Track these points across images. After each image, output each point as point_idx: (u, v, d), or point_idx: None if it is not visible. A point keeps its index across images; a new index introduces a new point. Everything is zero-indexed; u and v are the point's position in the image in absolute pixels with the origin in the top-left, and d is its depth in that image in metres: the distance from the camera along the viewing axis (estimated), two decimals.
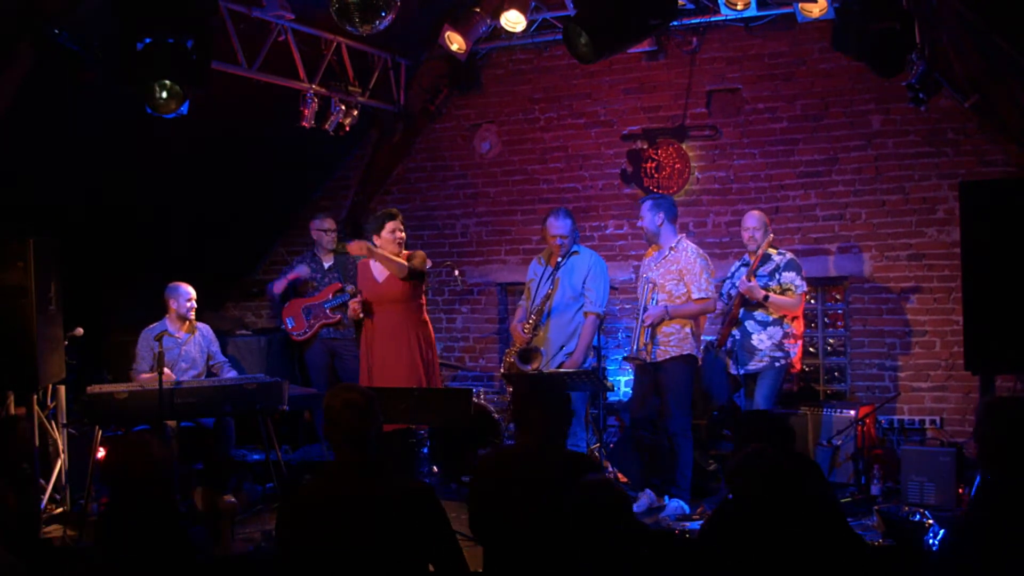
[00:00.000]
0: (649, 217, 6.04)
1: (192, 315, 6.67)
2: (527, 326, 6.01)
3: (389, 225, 6.02)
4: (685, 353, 5.94)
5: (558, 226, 6.09)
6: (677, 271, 5.98)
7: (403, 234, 6.06)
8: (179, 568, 3.21)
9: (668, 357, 5.93)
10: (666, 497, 5.92)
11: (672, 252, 6.03)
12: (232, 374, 6.83)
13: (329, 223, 7.72)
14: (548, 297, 6.04)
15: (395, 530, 3.07)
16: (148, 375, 6.48)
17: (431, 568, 3.19)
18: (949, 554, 3.33)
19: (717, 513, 3.53)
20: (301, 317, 7.54)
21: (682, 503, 5.87)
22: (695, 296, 5.95)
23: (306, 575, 3.11)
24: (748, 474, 3.04)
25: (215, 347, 6.87)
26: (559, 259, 6.14)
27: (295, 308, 7.59)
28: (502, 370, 6.21)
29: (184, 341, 6.66)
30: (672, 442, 5.94)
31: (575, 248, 6.19)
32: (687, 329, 5.96)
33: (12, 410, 5.76)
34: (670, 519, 5.71)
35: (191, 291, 6.65)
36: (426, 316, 6.21)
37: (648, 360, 5.92)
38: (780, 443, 3.81)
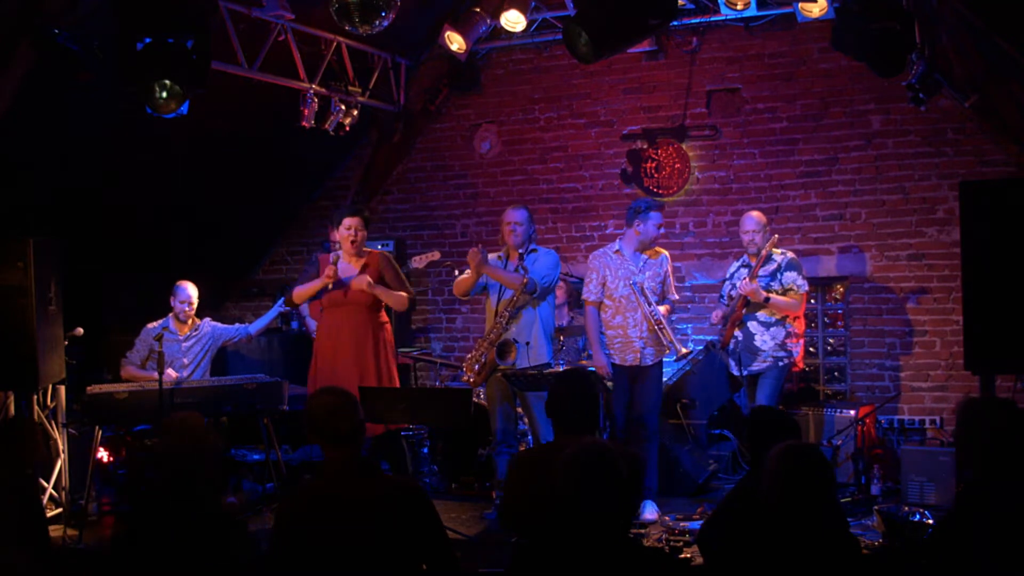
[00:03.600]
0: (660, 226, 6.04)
1: (187, 318, 6.65)
2: (498, 325, 5.97)
3: (346, 221, 5.89)
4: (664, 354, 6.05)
5: (514, 215, 6.03)
6: (663, 273, 6.02)
7: (363, 232, 5.93)
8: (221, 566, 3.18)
9: (661, 358, 5.97)
10: (645, 504, 5.82)
11: (654, 257, 6.04)
12: (259, 324, 6.94)
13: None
14: (512, 299, 5.97)
15: (388, 529, 3.07)
16: (138, 370, 6.50)
17: (423, 567, 3.19)
18: (930, 555, 3.32)
19: (729, 509, 3.54)
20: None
21: (655, 505, 5.82)
22: (674, 297, 6.08)
23: (302, 575, 3.12)
24: (795, 467, 3.00)
25: (221, 329, 6.83)
26: (520, 253, 6.04)
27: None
28: (469, 379, 6.09)
29: (186, 339, 6.65)
30: (644, 443, 5.86)
31: (533, 246, 6.14)
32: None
33: (12, 410, 5.76)
34: (670, 519, 5.70)
35: (190, 293, 6.61)
36: (385, 316, 6.05)
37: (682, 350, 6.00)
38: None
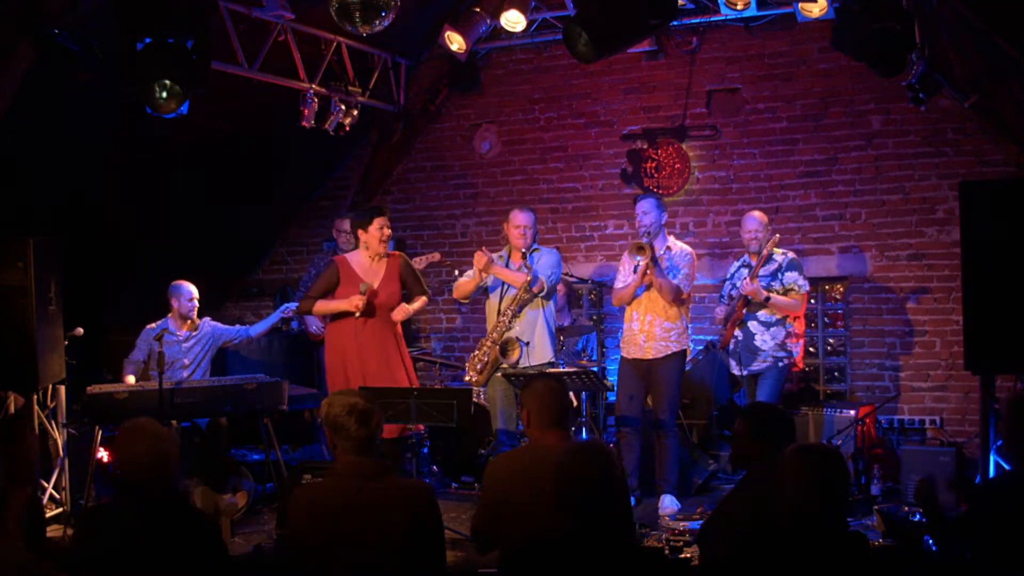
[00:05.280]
0: (655, 215, 5.98)
1: (194, 314, 6.66)
2: (500, 324, 5.96)
3: (377, 221, 5.73)
4: (683, 348, 6.04)
5: (522, 217, 6.03)
6: (672, 267, 6.02)
7: (389, 231, 5.84)
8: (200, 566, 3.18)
9: (670, 352, 5.96)
10: (665, 496, 5.92)
11: (668, 251, 6.03)
12: (260, 327, 6.94)
13: (347, 224, 7.65)
14: (515, 297, 5.96)
15: (396, 530, 3.07)
16: (132, 378, 6.50)
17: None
18: (961, 548, 3.31)
19: (729, 508, 3.53)
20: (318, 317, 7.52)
21: (675, 499, 5.91)
22: (679, 284, 5.97)
23: (308, 575, 3.12)
24: (822, 469, 2.99)
25: (221, 330, 6.83)
26: (523, 252, 6.03)
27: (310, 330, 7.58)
28: (472, 378, 6.07)
29: (186, 339, 6.65)
30: (664, 439, 5.96)
31: (535, 246, 6.14)
32: (684, 324, 6.07)
33: (12, 410, 5.76)
34: (670, 518, 5.71)
35: (193, 290, 6.62)
36: None
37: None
38: (789, 438, 3.79)
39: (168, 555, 3.10)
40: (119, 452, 3.31)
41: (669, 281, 5.88)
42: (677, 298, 5.95)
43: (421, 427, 5.96)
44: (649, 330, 5.96)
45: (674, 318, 5.98)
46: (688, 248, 6.15)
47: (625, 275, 6.13)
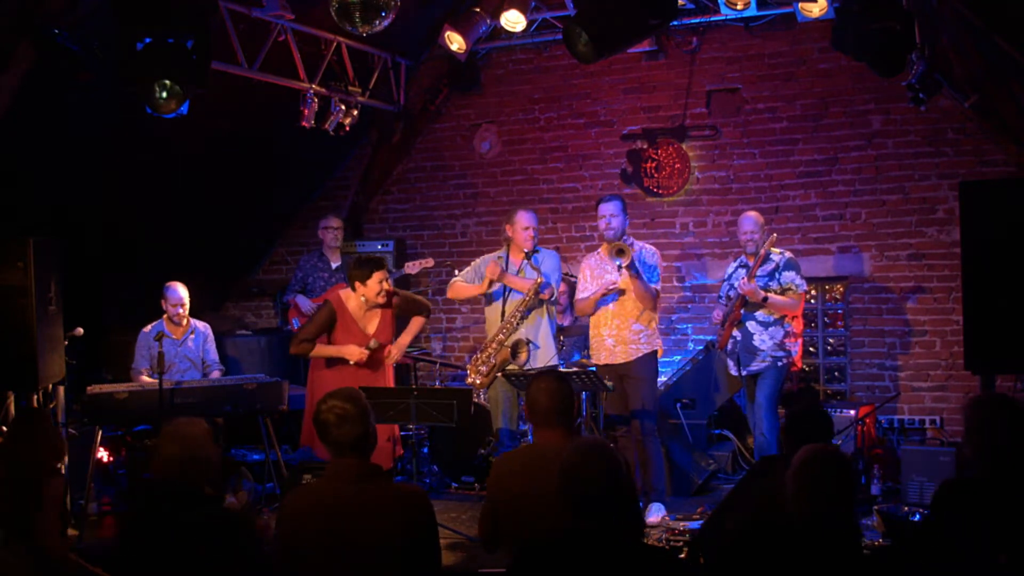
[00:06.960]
0: (622, 218, 5.92)
1: (181, 320, 6.63)
2: (508, 326, 5.95)
3: (377, 275, 5.44)
4: (654, 349, 5.97)
5: (528, 218, 5.99)
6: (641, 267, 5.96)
7: (389, 285, 5.57)
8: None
9: (641, 355, 5.89)
10: (652, 505, 5.82)
11: (639, 252, 5.97)
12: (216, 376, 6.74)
13: (335, 222, 7.73)
14: (523, 300, 5.95)
15: (390, 533, 3.05)
16: (147, 377, 6.48)
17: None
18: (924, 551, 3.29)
19: (727, 511, 3.52)
20: (306, 318, 7.54)
21: (663, 507, 5.83)
22: (657, 287, 5.93)
23: None
24: (824, 474, 2.97)
25: (209, 345, 6.81)
26: (526, 252, 5.96)
27: (300, 310, 7.60)
28: (475, 380, 6.05)
29: (181, 342, 6.64)
30: (647, 446, 5.85)
31: (536, 248, 6.10)
32: (654, 324, 6.00)
33: (12, 410, 5.75)
34: (670, 519, 5.70)
35: (180, 295, 6.58)
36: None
37: None
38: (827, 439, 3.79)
39: (200, 557, 3.12)
40: (154, 453, 3.35)
41: (648, 285, 5.81)
42: (655, 302, 5.90)
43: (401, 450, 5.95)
44: (619, 334, 5.89)
45: (646, 320, 5.90)
46: (653, 247, 6.10)
47: (585, 283, 6.06)
